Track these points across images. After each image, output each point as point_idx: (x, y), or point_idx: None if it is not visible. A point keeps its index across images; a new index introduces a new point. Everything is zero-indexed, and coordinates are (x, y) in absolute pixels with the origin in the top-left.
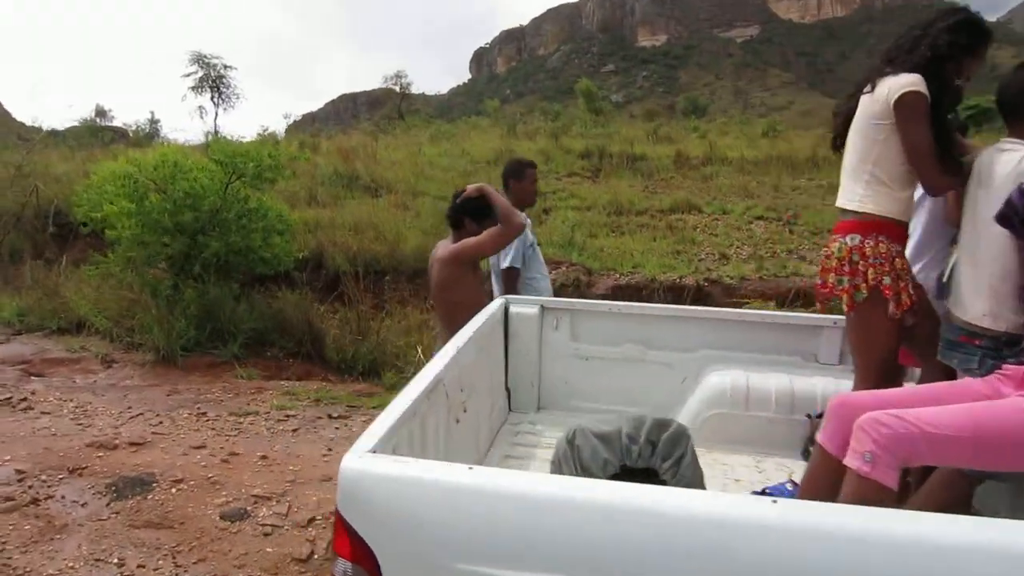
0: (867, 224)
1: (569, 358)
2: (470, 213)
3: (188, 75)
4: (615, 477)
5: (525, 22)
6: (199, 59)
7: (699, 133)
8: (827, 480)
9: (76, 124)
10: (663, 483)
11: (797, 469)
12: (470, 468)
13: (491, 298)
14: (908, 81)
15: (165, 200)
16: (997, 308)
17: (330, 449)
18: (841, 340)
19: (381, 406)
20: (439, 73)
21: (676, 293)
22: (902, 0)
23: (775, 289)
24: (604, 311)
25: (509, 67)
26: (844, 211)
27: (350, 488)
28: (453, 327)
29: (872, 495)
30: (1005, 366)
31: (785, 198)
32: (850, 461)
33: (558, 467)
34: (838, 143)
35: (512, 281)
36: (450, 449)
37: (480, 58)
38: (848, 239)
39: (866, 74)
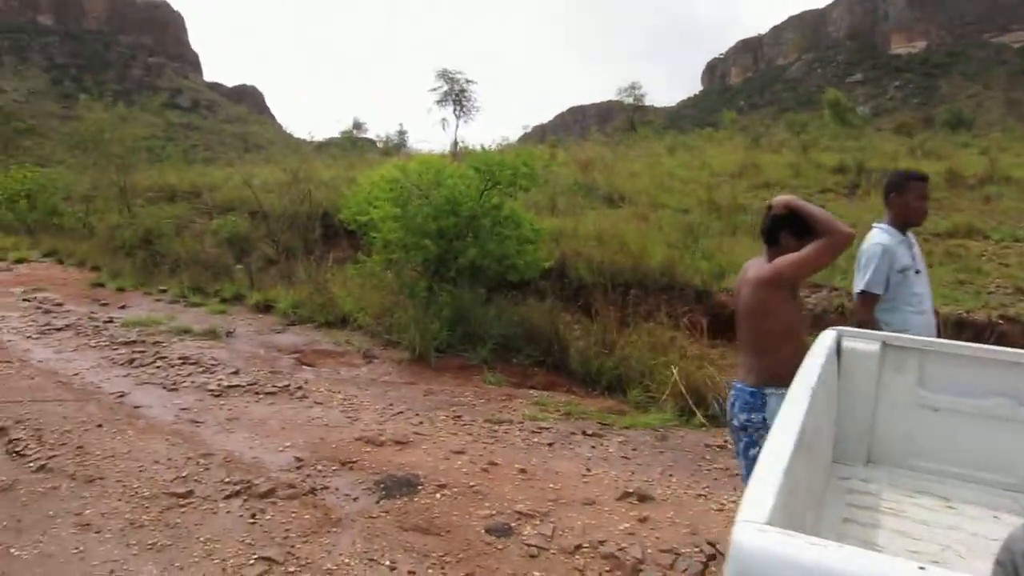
0: None
1: (913, 407)
2: (790, 226)
3: (434, 89)
4: None
5: (764, 31)
6: (444, 74)
7: (978, 149)
8: None
9: (338, 136)
10: None
11: None
12: (921, 568)
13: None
14: None
15: (427, 205)
16: None
17: (588, 469)
18: None
19: (633, 426)
20: (667, 84)
21: (963, 330)
22: None
23: None
24: (966, 355)
25: (744, 78)
26: None
27: (748, 569)
28: (764, 357)
29: None
30: None
31: None
32: None
33: (1014, 573)
34: None
35: (866, 309)
36: (799, 509)
37: (713, 69)
38: None
39: None
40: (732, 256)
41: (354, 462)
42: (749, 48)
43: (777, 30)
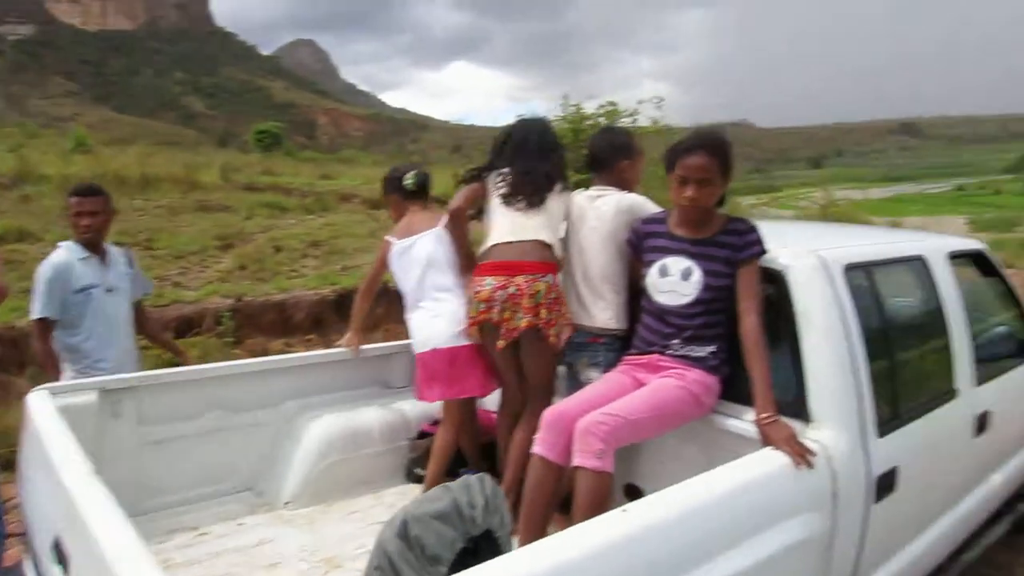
0: (555, 265)
1: (139, 448)
2: None
3: None
4: (464, 552)
5: None
6: None
7: (6, 146)
8: (550, 485)
9: None
10: (498, 542)
11: (411, 491)
12: None
13: None
14: None
15: None
16: (616, 314)
17: None
18: (408, 364)
19: None
20: None
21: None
22: (186, 23)
23: (163, 317)
24: (178, 380)
25: None
26: (536, 250)
27: None
28: None
29: (606, 483)
30: (627, 358)
31: (132, 221)
32: (585, 461)
33: (393, 572)
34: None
35: (42, 337)
36: None
37: None
38: (548, 278)
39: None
40: None
41: None
42: None
43: None
